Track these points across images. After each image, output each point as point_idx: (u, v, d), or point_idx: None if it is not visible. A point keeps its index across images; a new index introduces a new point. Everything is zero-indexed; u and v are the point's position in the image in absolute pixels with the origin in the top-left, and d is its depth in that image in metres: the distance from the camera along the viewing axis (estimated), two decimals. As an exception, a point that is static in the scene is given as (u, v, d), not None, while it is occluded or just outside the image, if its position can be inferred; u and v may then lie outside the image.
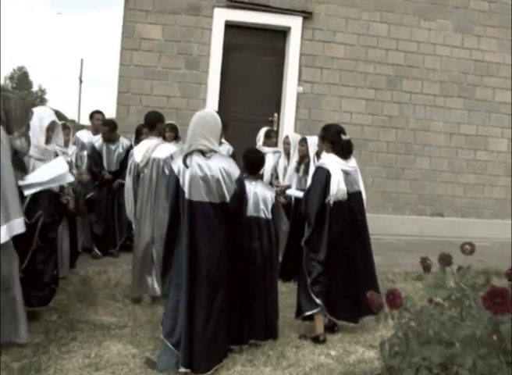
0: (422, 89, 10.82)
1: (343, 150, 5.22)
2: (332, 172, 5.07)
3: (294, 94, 10.40)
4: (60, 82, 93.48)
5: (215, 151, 4.39)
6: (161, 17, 9.89)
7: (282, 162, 7.94)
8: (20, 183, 4.48)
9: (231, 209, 4.36)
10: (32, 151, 5.10)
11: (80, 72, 48.42)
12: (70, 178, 4.82)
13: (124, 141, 8.44)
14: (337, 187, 5.04)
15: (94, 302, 6.07)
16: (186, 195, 4.28)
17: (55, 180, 4.74)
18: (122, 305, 6.09)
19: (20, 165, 4.87)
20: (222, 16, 10.06)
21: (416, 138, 10.87)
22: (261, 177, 7.13)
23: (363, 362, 4.81)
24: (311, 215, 5.11)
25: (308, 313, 5.27)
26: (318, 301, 5.14)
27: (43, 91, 65.21)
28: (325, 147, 5.32)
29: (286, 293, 6.48)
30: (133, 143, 8.48)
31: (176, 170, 4.34)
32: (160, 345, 4.60)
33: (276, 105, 10.59)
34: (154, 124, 6.46)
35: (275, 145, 8.63)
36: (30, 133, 4.82)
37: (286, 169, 7.81)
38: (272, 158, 8.14)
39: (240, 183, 4.42)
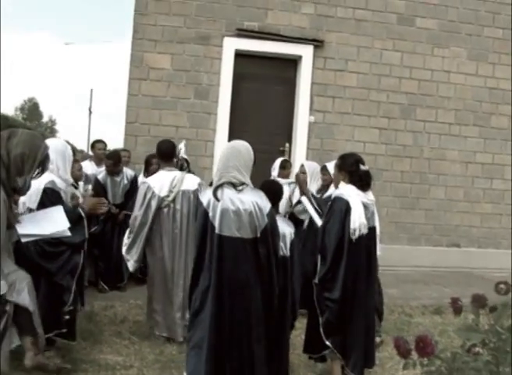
0: (436, 117, 10.63)
1: (362, 181, 4.88)
2: (352, 204, 4.73)
3: (306, 124, 10.24)
4: (70, 113, 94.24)
5: (246, 185, 4.13)
6: (169, 46, 9.78)
7: (298, 193, 7.63)
8: (19, 231, 4.28)
9: (262, 245, 4.05)
10: (60, 185, 4.95)
11: (89, 102, 48.54)
12: (68, 233, 4.60)
13: (128, 172, 8.21)
14: (359, 221, 4.69)
15: (100, 340, 5.80)
16: (217, 230, 3.99)
17: (54, 234, 4.54)
18: (128, 343, 5.83)
19: (57, 199, 4.79)
20: (232, 45, 9.94)
21: (431, 167, 10.66)
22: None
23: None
24: (329, 250, 4.73)
25: (316, 356, 4.99)
26: (327, 342, 4.77)
27: (53, 122, 65.65)
28: (342, 177, 4.97)
29: (301, 329, 6.17)
30: (142, 174, 8.32)
31: (204, 203, 4.06)
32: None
33: (287, 135, 10.41)
34: (170, 154, 6.19)
35: (289, 176, 8.36)
36: (54, 167, 4.79)
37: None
38: (287, 190, 7.88)
39: (272, 218, 4.13)
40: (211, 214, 4.01)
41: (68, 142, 9.35)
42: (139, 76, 9.76)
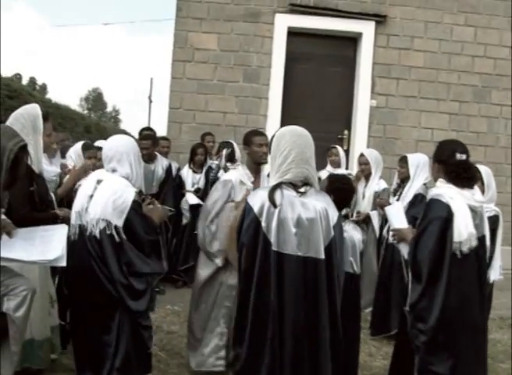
0: (515, 101, 9.80)
1: (457, 175, 3.71)
2: (454, 209, 3.60)
3: (367, 109, 9.64)
4: (133, 102, 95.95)
5: (311, 185, 3.27)
6: (216, 25, 9.36)
7: (358, 187, 6.88)
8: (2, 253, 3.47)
9: (327, 266, 3.18)
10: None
11: (149, 91, 48.44)
12: (62, 263, 3.62)
13: (163, 161, 7.54)
14: (467, 232, 3.57)
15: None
16: (274, 246, 3.11)
17: (40, 263, 3.68)
18: (154, 360, 4.95)
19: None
20: (284, 22, 9.44)
21: (508, 157, 9.77)
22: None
23: None
24: (424, 267, 3.59)
25: None
26: None
27: (117, 112, 66.82)
28: (436, 171, 3.89)
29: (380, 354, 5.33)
30: (187, 165, 7.84)
31: (256, 209, 3.16)
32: None
33: (346, 122, 9.86)
34: None
35: (339, 165, 7.52)
36: (130, 172, 3.94)
37: (363, 196, 6.79)
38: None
39: (340, 230, 3.30)
40: (264, 224, 3.11)
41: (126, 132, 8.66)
42: (183, 58, 9.39)
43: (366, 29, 9.51)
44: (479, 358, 3.72)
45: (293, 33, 9.46)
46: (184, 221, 7.55)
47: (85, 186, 3.95)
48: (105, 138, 4.87)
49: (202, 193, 7.42)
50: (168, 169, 7.49)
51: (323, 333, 3.15)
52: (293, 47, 9.47)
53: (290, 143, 3.23)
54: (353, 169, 7.65)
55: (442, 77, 9.68)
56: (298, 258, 3.11)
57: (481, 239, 3.70)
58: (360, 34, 9.57)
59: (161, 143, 8.00)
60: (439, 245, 3.53)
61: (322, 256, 3.12)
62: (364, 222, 6.59)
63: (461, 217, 3.54)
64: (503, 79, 9.71)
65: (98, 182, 3.85)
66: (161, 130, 9.42)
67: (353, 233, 3.83)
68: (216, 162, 7.83)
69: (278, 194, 3.14)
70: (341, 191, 3.86)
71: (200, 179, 7.61)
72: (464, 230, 3.52)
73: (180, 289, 7.40)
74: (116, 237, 3.66)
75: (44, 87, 52.96)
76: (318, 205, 3.16)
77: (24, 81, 44.91)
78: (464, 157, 3.72)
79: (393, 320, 5.48)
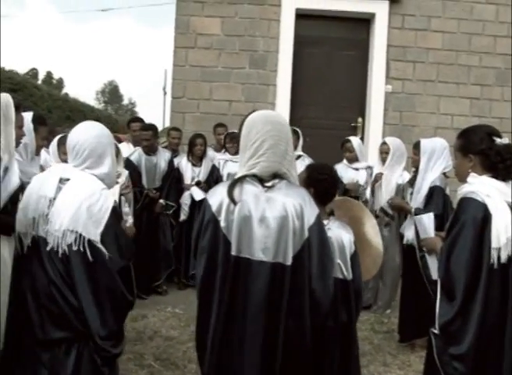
0: (541, 83, 9.34)
1: (505, 164, 3.09)
2: (491, 209, 2.98)
3: (382, 95, 9.24)
4: (148, 94, 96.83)
5: (282, 178, 2.79)
6: (219, 8, 9.00)
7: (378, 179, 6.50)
8: None
9: (296, 276, 2.71)
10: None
11: (164, 82, 48.22)
12: None
13: (165, 154, 7.16)
14: (505, 236, 2.94)
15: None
16: (233, 250, 2.69)
17: None
18: (146, 372, 4.60)
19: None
20: (292, 3, 9.04)
21: None
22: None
23: None
24: (458, 283, 2.98)
25: None
26: None
27: (133, 104, 67.25)
28: (471, 164, 3.19)
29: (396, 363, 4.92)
30: (186, 156, 7.42)
31: (214, 207, 2.74)
32: None
33: (360, 109, 9.45)
34: None
35: (356, 159, 7.05)
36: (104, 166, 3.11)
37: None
38: (363, 176, 6.91)
39: (319, 232, 2.75)
40: (223, 224, 2.67)
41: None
42: (185, 44, 9.09)
43: (379, 9, 9.10)
44: None
45: (301, 16, 9.08)
46: (182, 217, 7.11)
47: (40, 184, 3.04)
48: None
49: (205, 187, 6.94)
50: (171, 162, 7.13)
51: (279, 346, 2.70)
52: (301, 30, 9.11)
53: (263, 133, 2.73)
54: (368, 160, 7.16)
55: (462, 59, 9.25)
56: (263, 264, 2.65)
57: None
58: (373, 15, 9.16)
59: (171, 134, 7.84)
60: (475, 255, 2.94)
61: (289, 262, 2.65)
62: (392, 218, 6.12)
63: (500, 218, 2.94)
64: (528, 60, 9.28)
65: (62, 181, 3.01)
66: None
67: (339, 233, 3.27)
68: (225, 157, 7.43)
69: (237, 190, 2.71)
70: (321, 182, 3.34)
71: (200, 172, 7.17)
72: (503, 234, 2.91)
73: (184, 290, 7.04)
74: (89, 255, 2.82)
75: (60, 82, 53.14)
76: (288, 201, 2.68)
77: (41, 76, 45.16)
78: (506, 140, 3.13)
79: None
